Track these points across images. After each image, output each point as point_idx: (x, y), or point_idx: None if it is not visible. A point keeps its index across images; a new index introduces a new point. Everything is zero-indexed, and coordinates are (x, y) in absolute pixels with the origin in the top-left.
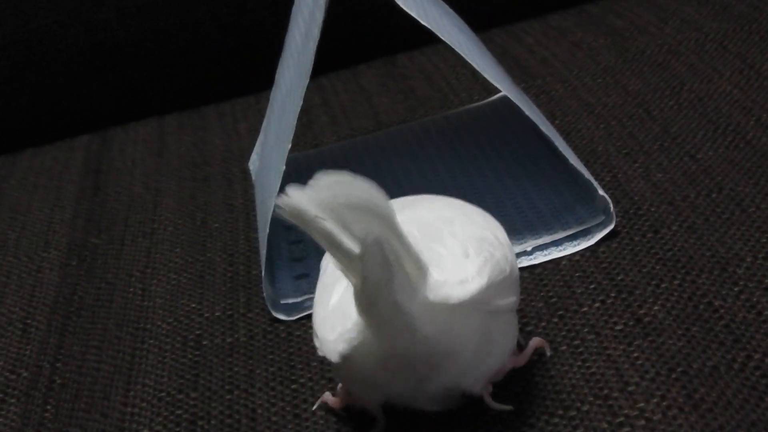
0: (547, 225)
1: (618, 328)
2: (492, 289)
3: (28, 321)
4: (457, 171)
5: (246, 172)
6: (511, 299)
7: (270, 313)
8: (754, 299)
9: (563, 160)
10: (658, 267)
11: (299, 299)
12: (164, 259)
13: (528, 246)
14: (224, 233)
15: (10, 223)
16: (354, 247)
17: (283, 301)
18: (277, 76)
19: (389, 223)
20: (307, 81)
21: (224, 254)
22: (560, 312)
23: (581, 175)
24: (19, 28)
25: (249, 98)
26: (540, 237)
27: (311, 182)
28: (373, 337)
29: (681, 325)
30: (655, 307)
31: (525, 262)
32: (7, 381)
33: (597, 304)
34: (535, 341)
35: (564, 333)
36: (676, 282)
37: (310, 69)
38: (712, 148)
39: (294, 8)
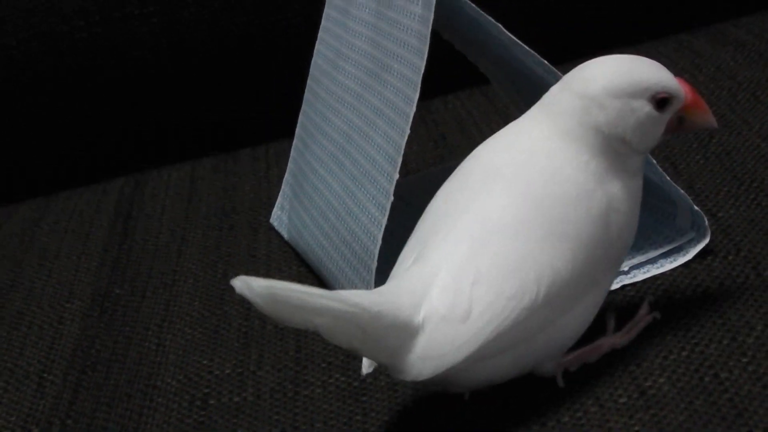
0: (636, 245)
1: (622, 400)
2: (505, 338)
3: (45, 375)
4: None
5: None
6: (558, 314)
7: (279, 371)
8: (761, 371)
9: None
10: (668, 337)
11: None
12: (182, 313)
13: (624, 267)
14: None
15: (38, 270)
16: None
17: None
18: (310, 104)
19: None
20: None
21: (241, 308)
22: (568, 382)
23: (654, 198)
24: (55, 67)
25: (283, 142)
26: (633, 257)
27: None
28: None
29: (684, 398)
30: (661, 380)
31: (626, 280)
32: None
33: (605, 377)
34: (643, 321)
35: (568, 404)
36: (684, 353)
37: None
38: (734, 206)
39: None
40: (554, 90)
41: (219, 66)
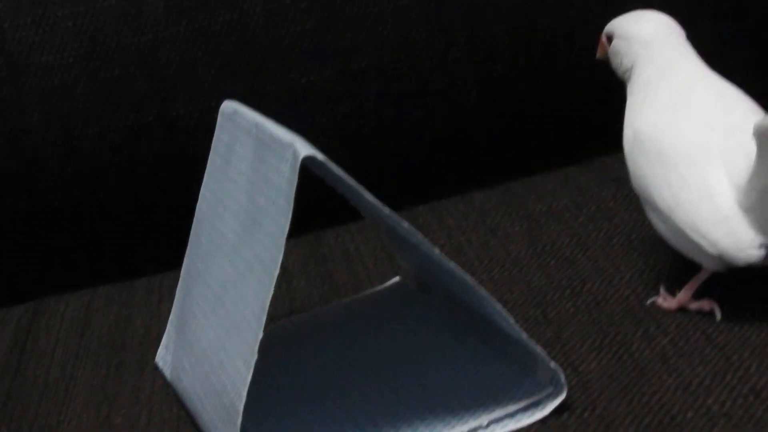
0: (497, 399)
1: None
2: None
3: None
4: (383, 354)
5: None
6: None
7: None
8: None
9: (487, 336)
10: None
11: None
12: None
13: (483, 420)
14: (123, 430)
15: None
16: None
17: None
18: (194, 252)
19: None
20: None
21: None
22: None
23: (518, 350)
24: None
25: (178, 272)
26: (493, 411)
27: None
28: None
29: None
30: None
31: None
32: None
33: None
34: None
35: None
36: None
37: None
38: (596, 360)
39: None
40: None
41: (120, 195)
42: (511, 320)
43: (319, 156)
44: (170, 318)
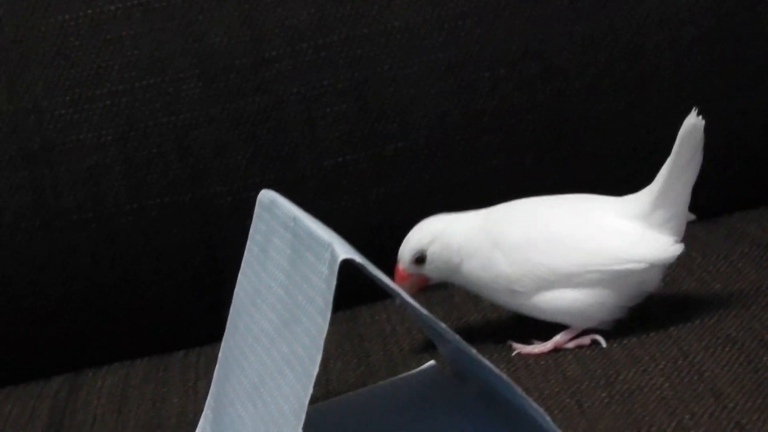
0: None
1: None
2: None
3: None
4: None
5: None
6: None
7: None
8: None
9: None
10: None
11: None
12: None
13: None
14: None
15: None
16: None
17: None
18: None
19: None
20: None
21: None
22: None
23: None
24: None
25: (215, 346)
26: None
27: None
28: None
29: None
30: None
31: None
32: None
33: None
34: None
35: None
36: None
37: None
38: None
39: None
40: None
41: (154, 274)
42: (548, 418)
43: (358, 258)
44: (207, 400)
